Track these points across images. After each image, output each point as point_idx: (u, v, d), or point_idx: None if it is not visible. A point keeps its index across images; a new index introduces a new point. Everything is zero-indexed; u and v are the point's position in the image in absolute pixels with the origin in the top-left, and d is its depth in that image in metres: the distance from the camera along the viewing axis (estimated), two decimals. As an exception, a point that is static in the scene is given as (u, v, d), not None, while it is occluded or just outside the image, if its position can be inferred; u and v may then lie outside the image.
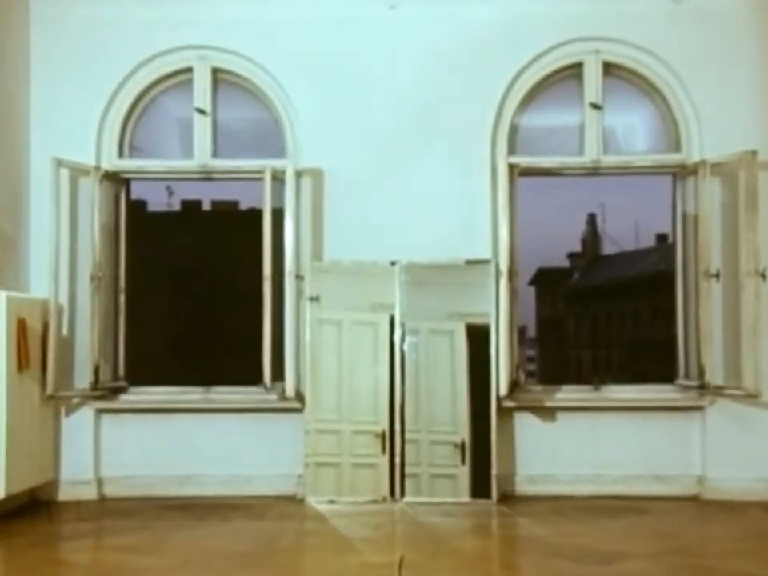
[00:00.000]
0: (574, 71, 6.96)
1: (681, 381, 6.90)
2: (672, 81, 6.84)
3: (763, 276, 6.38)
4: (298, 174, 6.78)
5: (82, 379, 6.66)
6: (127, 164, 7.00)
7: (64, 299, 6.70)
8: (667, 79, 6.86)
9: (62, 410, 6.76)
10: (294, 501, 6.61)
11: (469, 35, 6.87)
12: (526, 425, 6.78)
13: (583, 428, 6.77)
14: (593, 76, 6.90)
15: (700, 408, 6.72)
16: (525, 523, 6.06)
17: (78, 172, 6.76)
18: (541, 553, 5.32)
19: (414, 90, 6.87)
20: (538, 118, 7.00)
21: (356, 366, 6.72)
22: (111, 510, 6.43)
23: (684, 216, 6.94)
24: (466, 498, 6.52)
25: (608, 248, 52.22)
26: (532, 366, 43.53)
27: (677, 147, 6.92)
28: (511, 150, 6.91)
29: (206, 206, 26.92)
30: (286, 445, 6.71)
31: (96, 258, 6.68)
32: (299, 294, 6.72)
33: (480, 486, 6.52)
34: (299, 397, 6.68)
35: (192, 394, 6.95)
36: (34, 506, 6.44)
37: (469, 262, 6.73)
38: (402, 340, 6.68)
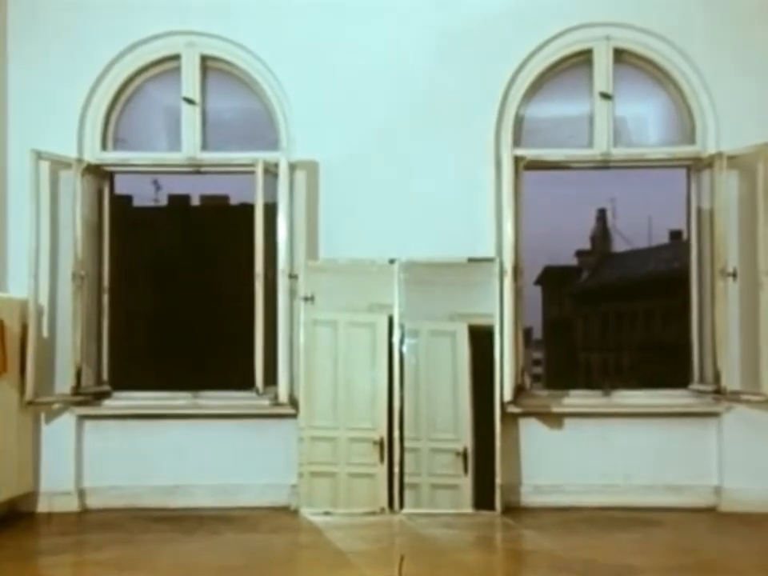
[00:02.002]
0: (583, 58, 6.95)
1: (695, 385, 6.90)
2: (686, 69, 6.83)
3: (783, 275, 6.39)
4: (292, 168, 6.77)
5: (64, 384, 6.65)
6: (111, 157, 6.99)
7: (44, 299, 6.68)
8: (681, 67, 6.84)
9: (42, 417, 6.74)
10: (288, 512, 6.61)
11: (471, 21, 6.86)
12: (531, 432, 6.78)
13: (592, 435, 6.77)
14: (603, 63, 6.89)
15: (716, 414, 6.71)
16: (530, 536, 6.06)
17: (58, 165, 6.75)
18: (547, 567, 5.32)
19: (413, 79, 6.86)
20: (544, 108, 7.00)
21: (353, 370, 6.71)
22: (94, 523, 6.42)
23: (699, 211, 6.93)
24: (468, 509, 6.51)
25: (619, 245, 52.28)
26: (538, 370, 43.45)
27: (691, 139, 6.91)
28: (516, 141, 6.90)
29: (195, 201, 26.89)
30: (278, 453, 6.70)
31: (78, 256, 6.67)
32: (293, 293, 6.71)
33: (483, 496, 6.51)
34: (293, 402, 6.68)
35: (180, 400, 6.94)
36: (12, 519, 6.42)
37: (471, 260, 6.72)
38: (401, 342, 6.67)
